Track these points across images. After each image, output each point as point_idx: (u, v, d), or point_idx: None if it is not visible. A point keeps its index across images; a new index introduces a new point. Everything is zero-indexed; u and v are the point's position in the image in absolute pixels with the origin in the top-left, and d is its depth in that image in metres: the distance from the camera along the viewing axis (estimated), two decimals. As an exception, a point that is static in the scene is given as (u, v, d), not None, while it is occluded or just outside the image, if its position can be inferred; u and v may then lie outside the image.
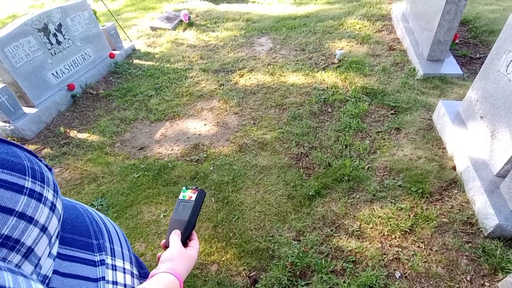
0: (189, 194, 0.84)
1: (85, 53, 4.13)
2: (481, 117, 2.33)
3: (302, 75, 3.74)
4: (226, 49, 4.57)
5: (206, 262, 2.05)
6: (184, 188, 0.85)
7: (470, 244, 1.96)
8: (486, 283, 1.78)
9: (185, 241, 0.79)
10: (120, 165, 2.88)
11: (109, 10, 5.18)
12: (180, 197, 0.84)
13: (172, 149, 3.00)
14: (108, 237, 0.72)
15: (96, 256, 0.65)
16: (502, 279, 1.75)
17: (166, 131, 3.25)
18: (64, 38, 3.83)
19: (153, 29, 5.32)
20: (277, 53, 4.32)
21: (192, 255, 0.76)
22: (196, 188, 0.85)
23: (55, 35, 3.71)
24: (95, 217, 0.73)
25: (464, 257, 1.90)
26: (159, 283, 0.64)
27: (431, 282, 1.81)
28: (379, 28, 4.54)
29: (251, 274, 1.95)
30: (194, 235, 0.83)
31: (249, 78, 3.83)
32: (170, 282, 0.65)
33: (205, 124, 3.25)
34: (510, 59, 2.07)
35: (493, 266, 1.83)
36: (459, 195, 2.23)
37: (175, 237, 0.77)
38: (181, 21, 5.40)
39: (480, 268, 1.85)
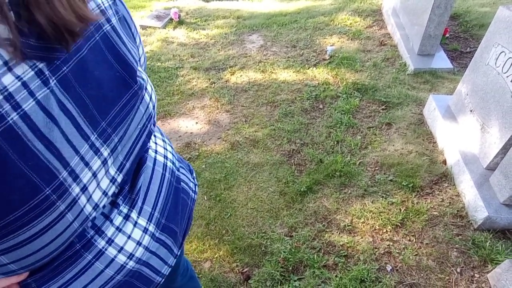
0: None
1: (75, 53, 4.09)
2: (471, 111, 2.34)
3: (293, 72, 3.73)
4: (217, 47, 4.55)
5: (199, 259, 2.05)
6: None
7: (460, 237, 1.97)
8: (476, 275, 1.80)
9: None
10: (112, 165, 2.86)
11: (98, 9, 5.12)
12: None
13: (164, 148, 2.99)
14: (143, 195, 0.74)
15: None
16: (492, 270, 1.77)
17: (158, 130, 3.23)
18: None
19: (143, 28, 5.28)
20: (268, 50, 4.31)
21: None
22: None
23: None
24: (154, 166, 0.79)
25: (455, 250, 1.92)
26: None
27: (422, 275, 1.83)
28: (370, 23, 4.55)
29: (244, 270, 1.96)
30: None
31: (240, 76, 3.81)
32: None
33: (196, 123, 3.23)
34: (499, 52, 2.09)
35: (483, 258, 1.85)
36: (450, 189, 2.25)
37: None
38: (171, 19, 5.36)
39: (470, 260, 1.86)
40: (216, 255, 2.05)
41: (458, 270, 1.83)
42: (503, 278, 1.66)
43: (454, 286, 1.77)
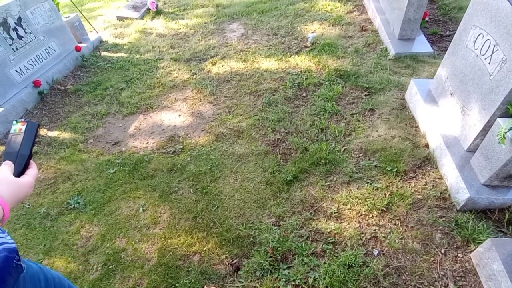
0: (19, 127, 0.84)
1: (49, 47, 3.93)
2: (451, 94, 2.37)
3: (276, 60, 3.70)
4: (197, 37, 4.45)
5: (188, 252, 2.04)
6: (14, 121, 0.86)
7: (443, 219, 2.02)
8: (459, 255, 1.85)
9: (21, 172, 0.81)
10: (95, 162, 2.79)
11: (71, 1, 4.93)
12: (11, 130, 0.84)
13: (147, 142, 2.93)
14: None
15: None
16: (474, 249, 1.82)
17: (140, 124, 3.17)
18: (25, 32, 3.62)
19: (120, 19, 5.11)
20: (249, 38, 4.24)
21: (22, 181, 0.78)
22: (25, 119, 0.86)
23: (15, 29, 3.49)
24: None
25: (438, 231, 1.96)
26: None
27: (408, 257, 1.87)
28: (351, 9, 4.53)
29: (233, 262, 1.95)
30: (32, 164, 0.85)
31: (222, 66, 3.75)
32: None
33: (179, 115, 3.18)
34: (477, 34, 2.10)
35: (466, 238, 1.89)
36: (432, 172, 2.29)
37: (4, 167, 0.79)
38: (148, 9, 5.21)
39: (454, 241, 1.91)
40: (205, 248, 2.04)
41: (442, 251, 1.88)
42: (485, 257, 1.71)
43: (438, 266, 1.82)
